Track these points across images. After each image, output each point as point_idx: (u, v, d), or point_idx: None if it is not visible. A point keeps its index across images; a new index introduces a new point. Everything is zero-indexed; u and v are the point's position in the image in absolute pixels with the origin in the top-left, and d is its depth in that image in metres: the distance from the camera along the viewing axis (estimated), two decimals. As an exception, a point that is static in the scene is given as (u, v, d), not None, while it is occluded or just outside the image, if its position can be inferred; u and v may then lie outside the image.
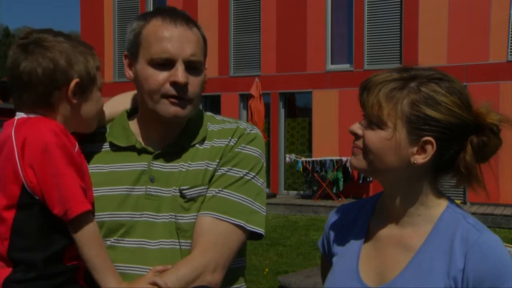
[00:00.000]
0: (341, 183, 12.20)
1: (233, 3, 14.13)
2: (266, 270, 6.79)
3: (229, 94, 13.84)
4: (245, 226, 1.49)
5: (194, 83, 1.50)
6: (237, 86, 13.71)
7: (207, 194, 1.50)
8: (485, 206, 11.02)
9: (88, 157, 1.55)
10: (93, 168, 1.55)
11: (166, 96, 1.48)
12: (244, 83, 13.28)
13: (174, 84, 1.47)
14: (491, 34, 11.56)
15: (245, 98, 13.57)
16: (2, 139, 1.41)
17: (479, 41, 11.60)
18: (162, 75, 1.47)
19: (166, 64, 1.47)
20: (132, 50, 1.53)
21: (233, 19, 14.15)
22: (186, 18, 1.52)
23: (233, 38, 14.06)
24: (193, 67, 1.50)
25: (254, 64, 13.90)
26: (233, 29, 14.11)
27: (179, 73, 1.46)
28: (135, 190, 1.51)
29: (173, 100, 1.48)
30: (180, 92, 1.48)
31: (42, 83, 1.41)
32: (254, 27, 13.93)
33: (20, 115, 1.44)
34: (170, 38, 1.47)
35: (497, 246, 1.28)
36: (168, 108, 1.49)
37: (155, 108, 1.50)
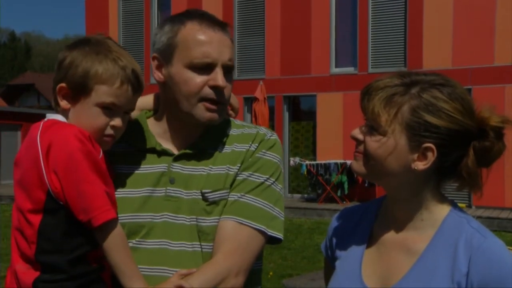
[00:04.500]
0: (346, 186, 12.19)
1: (237, 6, 14.16)
2: (271, 273, 6.78)
3: (234, 97, 13.84)
4: (265, 231, 1.51)
5: (228, 88, 1.55)
6: (242, 89, 13.71)
7: (229, 199, 1.52)
8: (490, 209, 10.97)
9: (107, 157, 1.55)
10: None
11: (204, 99, 1.51)
12: (249, 86, 13.30)
13: (214, 87, 1.50)
14: (496, 37, 11.53)
15: (250, 101, 13.58)
16: (27, 142, 1.41)
17: (484, 44, 11.57)
18: (201, 79, 1.50)
19: (206, 68, 1.50)
20: (166, 53, 1.54)
21: (238, 23, 14.18)
22: (220, 22, 1.55)
23: (238, 41, 14.09)
24: (228, 71, 1.55)
25: (258, 67, 13.92)
26: (238, 32, 14.14)
27: (219, 77, 1.50)
28: (156, 191, 1.53)
29: (210, 105, 1.51)
30: (218, 95, 1.52)
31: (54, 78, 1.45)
32: (258, 30, 13.95)
33: (49, 116, 1.44)
34: (211, 42, 1.50)
35: (502, 250, 1.27)
36: (204, 113, 1.52)
37: (190, 111, 1.52)
